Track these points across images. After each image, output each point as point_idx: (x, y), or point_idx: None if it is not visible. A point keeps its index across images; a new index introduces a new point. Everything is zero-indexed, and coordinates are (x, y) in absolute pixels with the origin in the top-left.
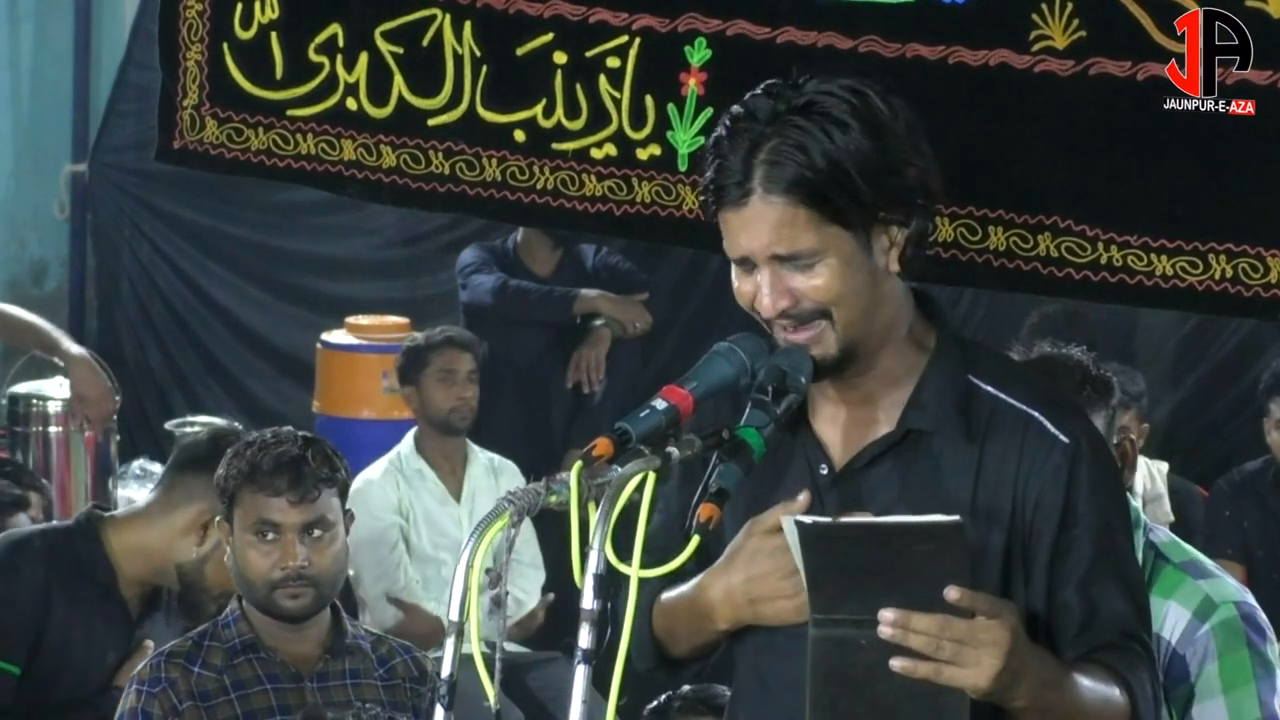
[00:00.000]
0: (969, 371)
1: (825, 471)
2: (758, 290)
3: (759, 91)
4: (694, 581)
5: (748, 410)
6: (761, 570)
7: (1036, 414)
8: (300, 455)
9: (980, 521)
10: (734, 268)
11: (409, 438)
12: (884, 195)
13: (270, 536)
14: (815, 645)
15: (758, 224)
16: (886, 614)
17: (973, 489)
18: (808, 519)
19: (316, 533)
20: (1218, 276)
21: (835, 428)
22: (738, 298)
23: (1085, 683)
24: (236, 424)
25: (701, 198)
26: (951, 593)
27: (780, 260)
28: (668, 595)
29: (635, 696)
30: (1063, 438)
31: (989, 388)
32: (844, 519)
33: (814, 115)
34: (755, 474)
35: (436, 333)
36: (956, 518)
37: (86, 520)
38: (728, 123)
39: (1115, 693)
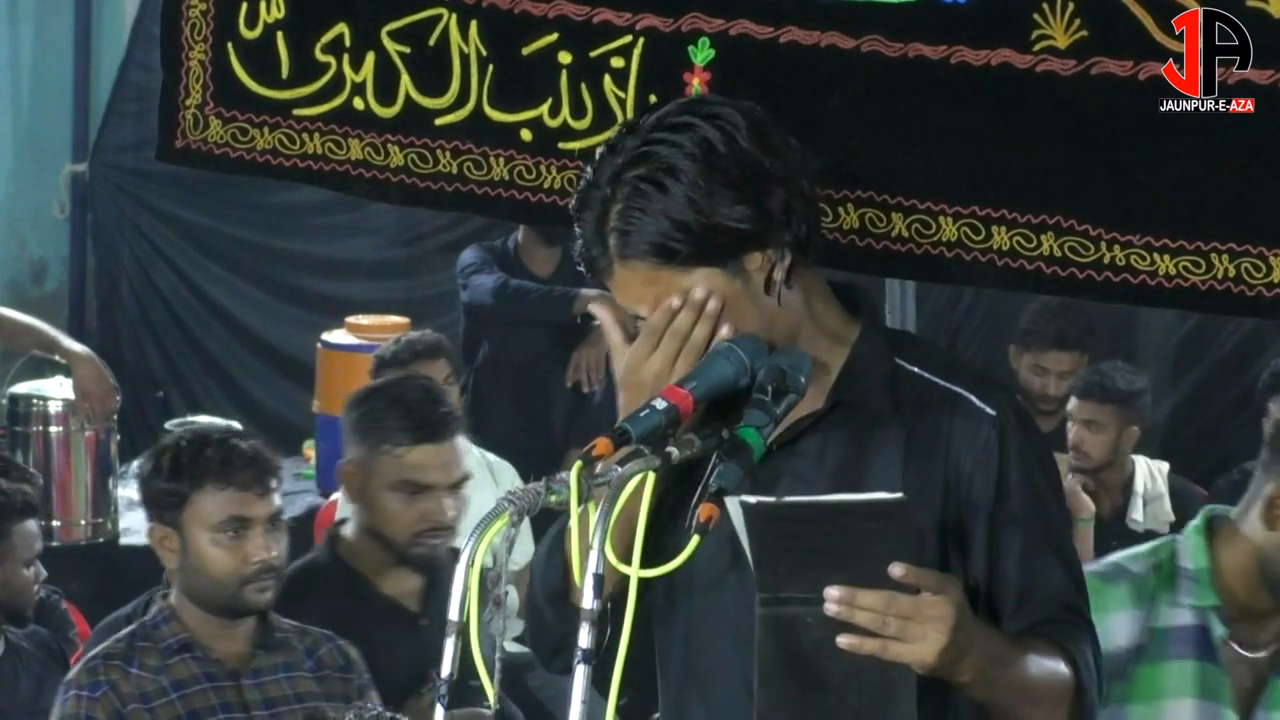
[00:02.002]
0: (895, 355)
1: None
2: None
3: (605, 147)
4: None
5: (747, 410)
6: None
7: (961, 390)
8: (258, 446)
9: (911, 499)
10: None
11: None
12: (734, 229)
13: (235, 533)
14: (762, 624)
15: (629, 289)
16: (832, 591)
17: (902, 464)
18: (752, 499)
19: (275, 523)
20: (1220, 276)
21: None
22: None
23: (1031, 657)
24: (235, 424)
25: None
26: (896, 569)
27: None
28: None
29: (635, 697)
30: (989, 410)
31: (914, 369)
32: (788, 499)
33: (648, 167)
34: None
35: (403, 347)
36: (900, 495)
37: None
38: (580, 190)
39: (1060, 665)
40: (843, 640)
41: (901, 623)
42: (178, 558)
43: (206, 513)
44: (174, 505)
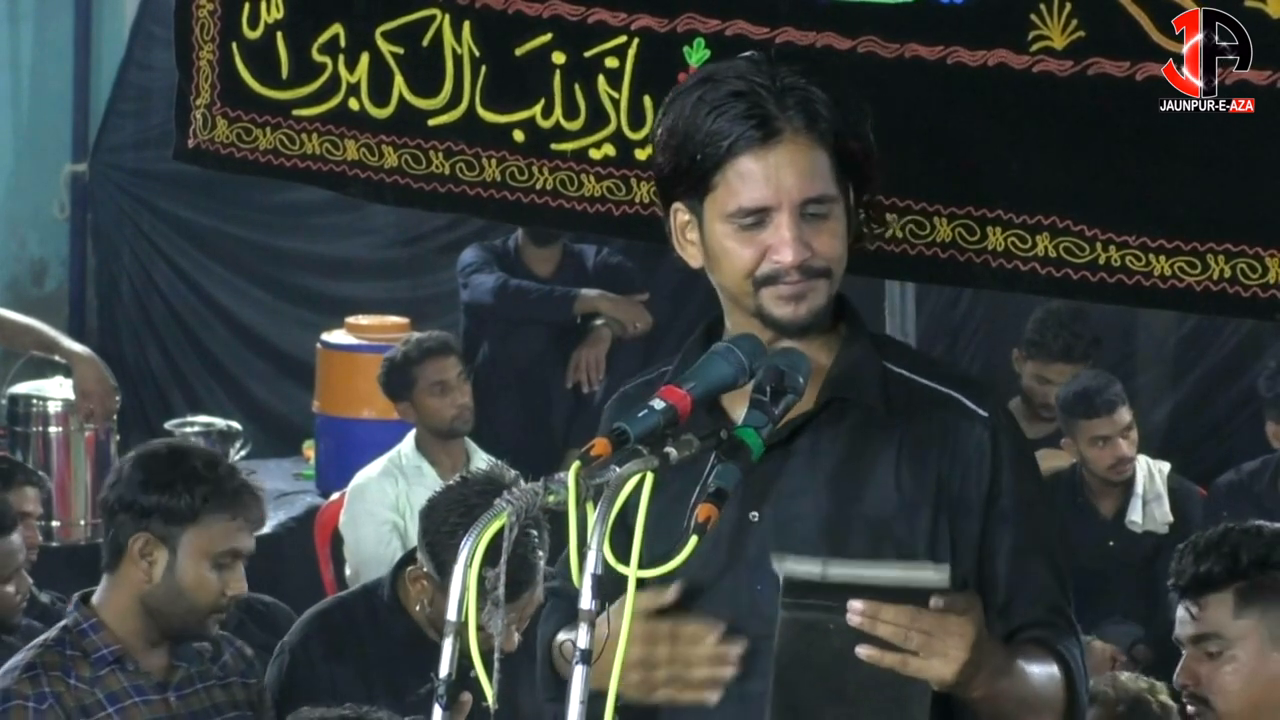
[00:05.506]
0: (881, 357)
1: None
2: (771, 244)
3: (723, 65)
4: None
5: (746, 410)
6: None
7: (953, 393)
8: (254, 483)
9: (905, 498)
10: (726, 231)
11: (410, 437)
12: (870, 149)
13: (225, 565)
14: (783, 627)
15: (788, 167)
16: (856, 603)
17: (895, 463)
18: (796, 575)
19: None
20: (1216, 276)
21: (745, 404)
22: (732, 262)
23: (1029, 666)
24: (235, 424)
25: (684, 159)
26: (934, 600)
27: (804, 206)
28: (563, 635)
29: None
30: (981, 412)
31: (902, 371)
32: (833, 569)
33: (805, 72)
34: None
35: (413, 346)
36: (944, 573)
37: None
38: (707, 83)
39: (1054, 669)
40: (863, 651)
41: (924, 638)
42: (155, 571)
43: (210, 539)
44: (177, 521)
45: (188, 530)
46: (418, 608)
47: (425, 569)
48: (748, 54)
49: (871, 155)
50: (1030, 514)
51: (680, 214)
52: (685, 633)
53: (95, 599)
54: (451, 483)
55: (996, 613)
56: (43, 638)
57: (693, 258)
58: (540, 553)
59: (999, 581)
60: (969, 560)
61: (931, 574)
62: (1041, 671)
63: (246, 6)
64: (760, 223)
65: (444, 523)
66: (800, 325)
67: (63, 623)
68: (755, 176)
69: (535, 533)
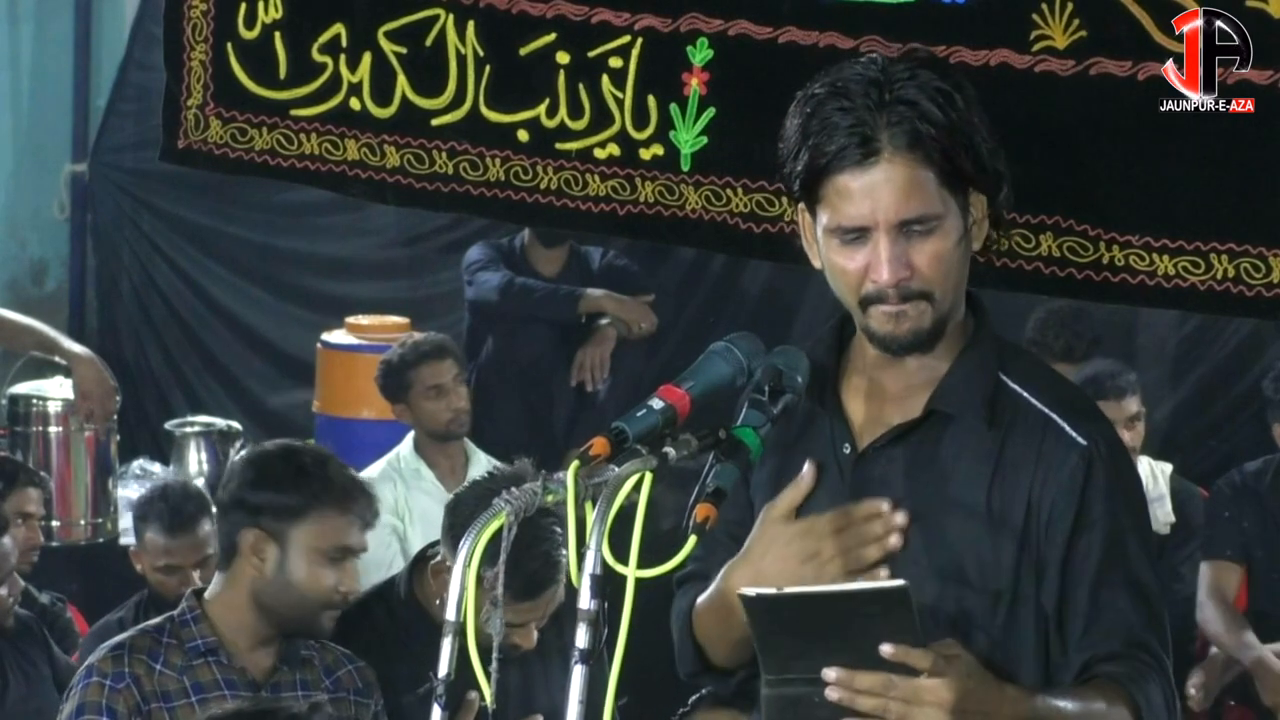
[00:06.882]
0: (1001, 369)
1: (848, 450)
2: (870, 263)
3: (843, 71)
4: (719, 576)
5: (744, 410)
6: (779, 555)
7: (1055, 416)
8: (363, 480)
9: (994, 517)
10: (832, 245)
11: (409, 439)
12: (985, 161)
13: (337, 560)
14: (768, 705)
15: (885, 186)
16: (829, 673)
17: (989, 480)
18: (751, 591)
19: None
20: (1219, 276)
21: (864, 402)
22: (839, 276)
23: (1069, 706)
24: (235, 424)
25: (796, 167)
26: (886, 648)
27: (904, 226)
28: (703, 596)
29: (635, 696)
30: (1080, 439)
31: (1016, 386)
32: (789, 590)
33: (920, 85)
34: (781, 441)
35: (409, 349)
36: (902, 582)
37: None
38: (821, 94)
39: (1109, 708)
40: None
41: (903, 707)
42: (267, 567)
43: (320, 534)
44: (287, 517)
45: (298, 526)
46: (438, 602)
47: (449, 562)
48: (870, 57)
49: (987, 170)
50: (1118, 545)
51: (804, 215)
52: (859, 514)
53: (207, 593)
54: (478, 478)
55: (1075, 642)
56: (155, 622)
57: (815, 257)
58: (563, 551)
59: (1079, 611)
60: (1053, 588)
61: (889, 584)
62: (1086, 710)
63: (243, 7)
64: (861, 239)
65: (472, 513)
66: (901, 345)
67: (173, 611)
68: (853, 195)
69: (560, 530)
